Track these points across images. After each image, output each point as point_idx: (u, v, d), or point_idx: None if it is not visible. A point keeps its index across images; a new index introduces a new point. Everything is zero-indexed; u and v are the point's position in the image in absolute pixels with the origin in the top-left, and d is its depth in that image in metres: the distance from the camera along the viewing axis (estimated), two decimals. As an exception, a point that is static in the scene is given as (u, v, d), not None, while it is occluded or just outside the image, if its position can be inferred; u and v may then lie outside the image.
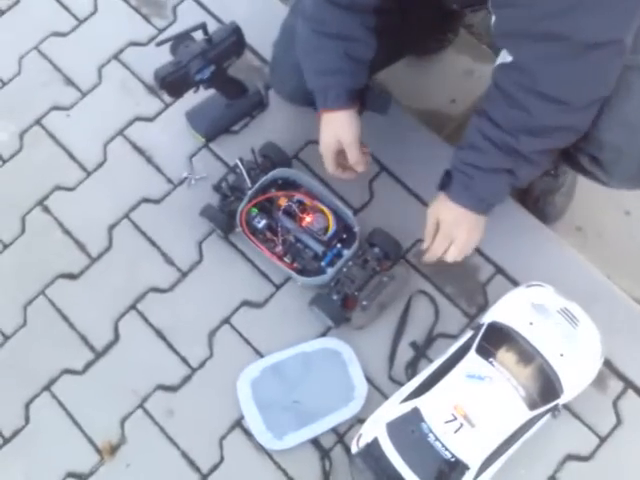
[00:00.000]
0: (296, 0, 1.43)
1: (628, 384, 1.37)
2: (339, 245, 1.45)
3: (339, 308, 1.41)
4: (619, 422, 1.35)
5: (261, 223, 1.46)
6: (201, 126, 1.60)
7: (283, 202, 1.47)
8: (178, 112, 1.63)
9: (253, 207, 1.48)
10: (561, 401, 1.27)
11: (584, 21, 1.03)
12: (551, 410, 1.27)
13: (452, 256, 1.34)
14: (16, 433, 1.44)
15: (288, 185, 1.51)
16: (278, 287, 1.49)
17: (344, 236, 1.46)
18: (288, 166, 1.54)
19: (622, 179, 1.28)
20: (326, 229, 1.45)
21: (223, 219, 1.49)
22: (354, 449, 1.29)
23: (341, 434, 1.38)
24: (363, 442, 1.27)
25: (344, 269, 1.42)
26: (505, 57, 1.17)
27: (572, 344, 1.27)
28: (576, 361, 1.27)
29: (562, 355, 1.26)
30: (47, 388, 1.46)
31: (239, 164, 1.50)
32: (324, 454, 1.37)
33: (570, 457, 1.34)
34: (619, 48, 1.07)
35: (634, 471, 1.33)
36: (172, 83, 1.42)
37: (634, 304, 1.44)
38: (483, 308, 1.43)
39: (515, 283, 1.44)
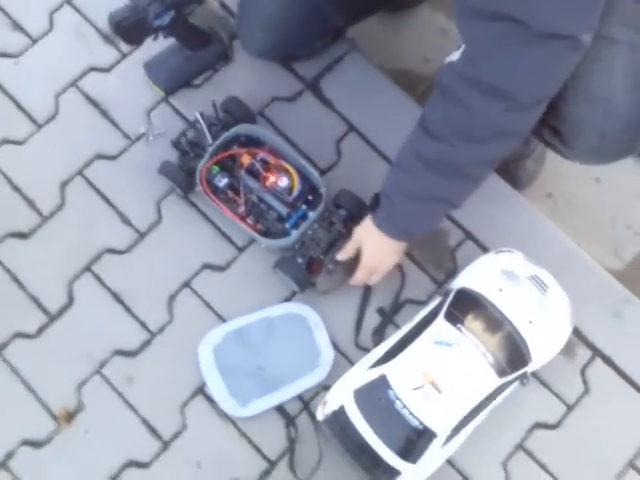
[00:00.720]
0: None
1: (596, 352, 1.37)
2: (304, 206, 1.40)
3: (304, 272, 1.36)
4: (587, 390, 1.35)
5: (222, 182, 1.40)
6: (160, 78, 1.52)
7: (246, 160, 1.41)
8: (136, 63, 1.54)
9: (214, 165, 1.41)
10: (529, 369, 1.26)
11: (542, 8, 0.98)
12: (520, 378, 1.25)
13: (374, 282, 1.37)
14: (-34, 399, 1.37)
15: (251, 142, 1.44)
16: (241, 250, 1.44)
17: (309, 197, 1.41)
18: (252, 122, 1.47)
19: (581, 153, 1.25)
20: (291, 189, 1.39)
21: (182, 177, 1.42)
22: (320, 416, 1.27)
23: (307, 401, 1.35)
24: (329, 409, 1.25)
25: (309, 231, 1.37)
26: (453, 56, 1.12)
27: (541, 311, 1.26)
28: (545, 328, 1.26)
29: (531, 322, 1.24)
30: (-2, 353, 1.39)
31: (199, 119, 1.42)
32: (289, 421, 1.34)
33: (538, 425, 1.34)
34: (574, 45, 1.02)
35: (601, 438, 1.33)
36: (128, 29, 1.33)
37: (604, 272, 1.43)
38: (452, 274, 1.40)
39: (485, 249, 1.42)
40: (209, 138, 1.41)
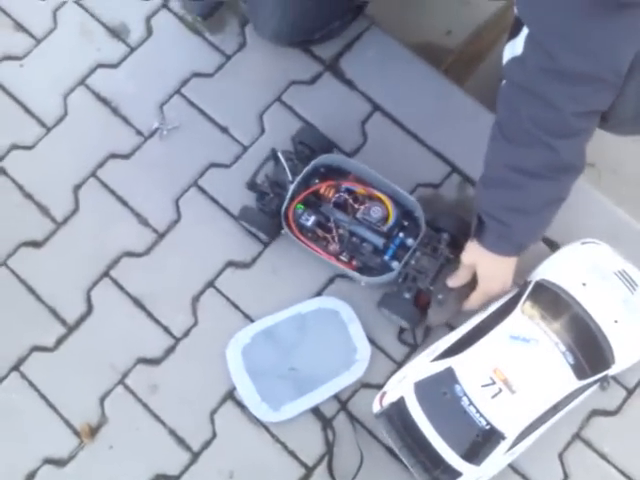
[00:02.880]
0: None
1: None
2: (401, 234, 1.29)
3: (414, 307, 1.24)
4: (647, 374, 1.25)
5: (310, 220, 1.29)
6: (192, 4, 1.48)
7: (331, 193, 1.31)
8: (144, 56, 1.48)
9: (298, 204, 1.31)
10: (611, 372, 1.16)
11: None
12: (600, 381, 1.16)
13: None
14: (-16, 419, 1.30)
15: (332, 172, 1.34)
16: (266, 244, 1.36)
17: (405, 223, 1.30)
18: (329, 151, 1.37)
19: (616, 124, 1.15)
20: (386, 218, 1.28)
21: (266, 221, 1.32)
22: (376, 408, 1.19)
23: (344, 401, 1.26)
24: (387, 401, 1.17)
25: (412, 261, 1.25)
26: (514, 50, 1.03)
27: (628, 310, 1.17)
28: (631, 329, 1.17)
29: (616, 322, 1.16)
30: (16, 368, 1.32)
31: (279, 155, 1.32)
32: (326, 423, 1.25)
33: (596, 412, 1.24)
34: None
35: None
36: None
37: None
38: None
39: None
40: (289, 175, 1.31)
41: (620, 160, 1.54)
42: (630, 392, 1.24)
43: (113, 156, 1.43)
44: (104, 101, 1.47)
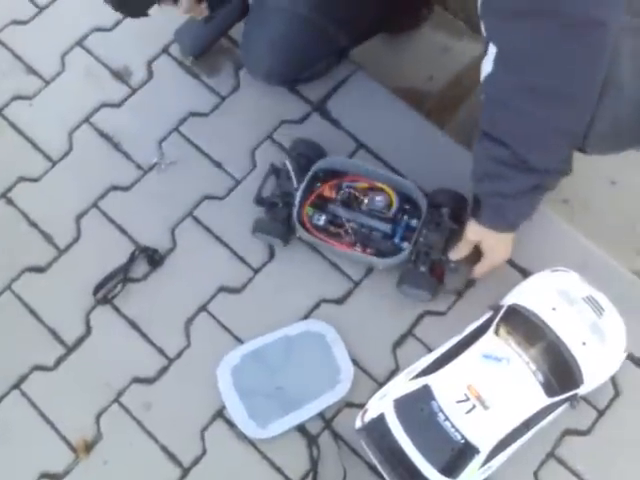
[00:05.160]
0: None
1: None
2: (405, 217, 1.39)
3: (431, 279, 1.34)
4: (617, 394, 1.30)
5: (321, 220, 1.40)
6: (185, 46, 1.58)
7: (334, 193, 1.41)
8: (146, 95, 1.58)
9: (308, 207, 1.41)
10: (580, 391, 1.22)
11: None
12: (569, 399, 1.22)
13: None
14: (-16, 435, 1.36)
15: (329, 175, 1.44)
16: (256, 271, 1.43)
17: (407, 207, 1.40)
18: (324, 157, 1.46)
19: (597, 141, 1.22)
20: (389, 205, 1.39)
21: (280, 229, 1.41)
22: (358, 424, 1.24)
23: (328, 419, 1.31)
24: (368, 417, 1.22)
25: (420, 239, 1.35)
26: (486, 69, 1.11)
27: (596, 334, 1.23)
28: (599, 351, 1.23)
29: (584, 344, 1.21)
30: (17, 386, 1.37)
31: (287, 163, 1.41)
32: (311, 441, 1.30)
33: (568, 432, 1.28)
34: (607, 29, 1.01)
35: (635, 443, 1.28)
36: None
37: (629, 274, 1.39)
38: (472, 284, 1.39)
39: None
40: (295, 183, 1.40)
41: (591, 196, 1.62)
42: (601, 413, 1.29)
43: (114, 188, 1.51)
44: (107, 137, 1.56)
